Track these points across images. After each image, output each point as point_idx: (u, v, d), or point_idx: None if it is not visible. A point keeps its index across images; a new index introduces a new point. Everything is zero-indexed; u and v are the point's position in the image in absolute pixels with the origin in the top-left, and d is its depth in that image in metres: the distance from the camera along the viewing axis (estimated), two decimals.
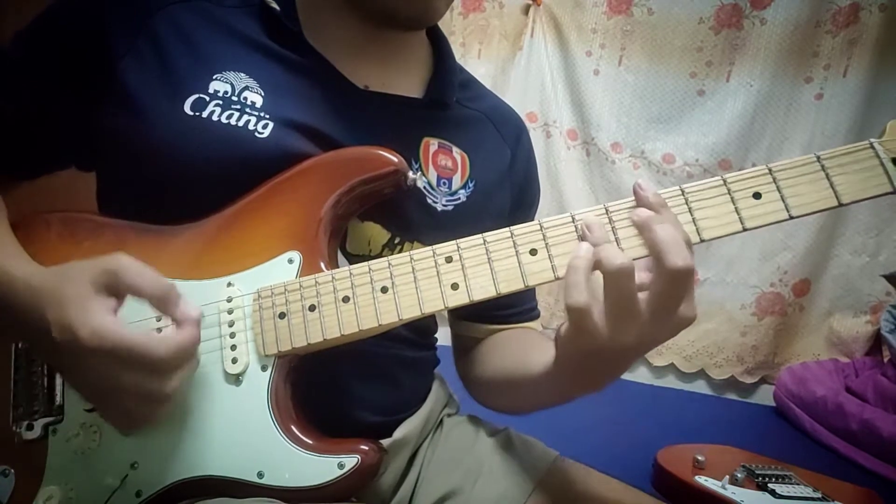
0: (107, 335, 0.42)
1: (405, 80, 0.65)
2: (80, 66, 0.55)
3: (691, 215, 0.47)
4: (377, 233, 0.59)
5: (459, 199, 0.64)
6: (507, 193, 0.70)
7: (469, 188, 0.65)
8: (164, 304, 0.46)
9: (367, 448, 0.50)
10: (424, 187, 0.61)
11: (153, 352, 0.43)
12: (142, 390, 0.44)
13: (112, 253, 0.46)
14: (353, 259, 0.59)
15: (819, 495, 1.00)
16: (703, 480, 1.01)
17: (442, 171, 0.63)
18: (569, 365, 0.49)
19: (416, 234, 0.61)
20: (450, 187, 0.63)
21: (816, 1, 1.65)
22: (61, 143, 0.59)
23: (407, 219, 0.60)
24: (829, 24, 1.66)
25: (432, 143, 0.63)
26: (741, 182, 0.47)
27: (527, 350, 0.63)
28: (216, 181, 0.54)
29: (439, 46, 0.69)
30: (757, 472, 1.05)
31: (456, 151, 0.65)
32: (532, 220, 0.77)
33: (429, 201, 0.62)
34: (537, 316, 0.77)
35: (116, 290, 0.46)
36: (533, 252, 0.48)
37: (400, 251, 0.60)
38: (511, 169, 0.71)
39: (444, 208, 0.63)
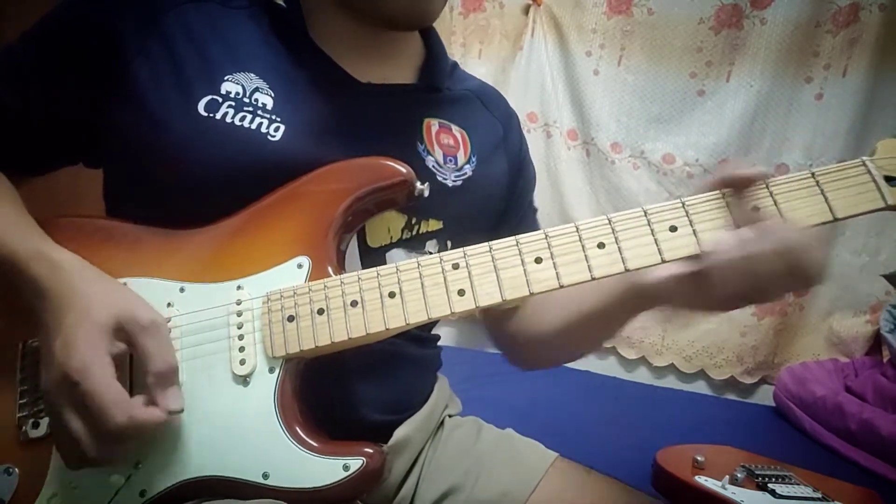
0: (89, 377, 0.44)
1: (400, 69, 0.66)
2: (89, 66, 0.56)
3: (692, 227, 0.48)
4: (394, 218, 0.61)
5: (466, 173, 0.66)
6: (504, 161, 0.72)
7: (473, 162, 0.67)
8: (158, 381, 0.48)
9: (371, 451, 0.50)
10: (433, 166, 0.63)
11: (110, 414, 0.44)
12: (77, 438, 0.45)
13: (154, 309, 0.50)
14: (376, 254, 0.60)
15: (819, 495, 1.00)
16: (702, 480, 1.01)
17: (446, 150, 0.65)
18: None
19: (430, 212, 0.63)
20: (456, 163, 0.65)
21: (816, 1, 1.65)
22: (69, 141, 0.60)
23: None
24: (830, 24, 1.65)
25: (433, 124, 0.66)
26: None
27: (571, 295, 0.65)
28: (228, 182, 0.55)
29: (428, 33, 0.70)
30: (757, 472, 1.05)
31: (455, 129, 0.67)
32: (532, 204, 0.77)
33: (439, 179, 0.64)
34: None
35: (130, 342, 0.48)
36: (538, 260, 0.49)
37: (418, 231, 0.62)
38: (505, 142, 0.73)
39: (455, 184, 0.65)
